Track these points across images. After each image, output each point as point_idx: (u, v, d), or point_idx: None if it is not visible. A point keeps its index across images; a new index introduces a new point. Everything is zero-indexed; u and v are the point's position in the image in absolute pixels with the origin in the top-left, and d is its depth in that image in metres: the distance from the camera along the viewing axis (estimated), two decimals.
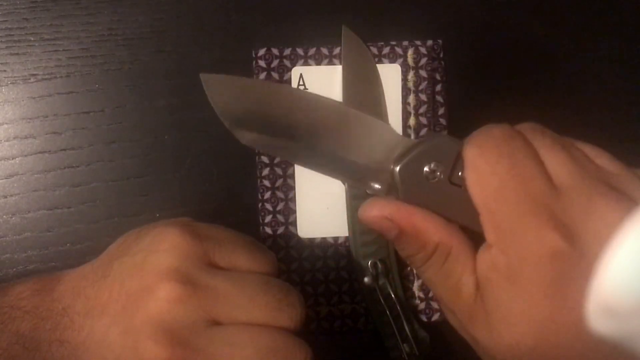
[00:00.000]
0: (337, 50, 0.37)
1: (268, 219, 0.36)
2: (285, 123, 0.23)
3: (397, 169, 0.24)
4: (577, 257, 0.22)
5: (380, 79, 0.37)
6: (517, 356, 0.23)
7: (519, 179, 0.22)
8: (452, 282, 0.25)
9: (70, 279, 0.27)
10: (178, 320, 0.25)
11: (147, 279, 0.25)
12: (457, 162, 0.24)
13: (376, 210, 0.25)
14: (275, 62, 0.36)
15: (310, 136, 0.23)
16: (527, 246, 0.22)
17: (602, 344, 0.22)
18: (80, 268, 0.28)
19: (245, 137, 0.23)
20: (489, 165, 0.23)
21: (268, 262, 0.28)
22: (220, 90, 0.23)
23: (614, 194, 0.22)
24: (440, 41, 0.37)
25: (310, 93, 0.23)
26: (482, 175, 0.23)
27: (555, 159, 0.23)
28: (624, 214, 0.21)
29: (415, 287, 0.37)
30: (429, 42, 0.37)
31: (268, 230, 0.36)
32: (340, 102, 0.24)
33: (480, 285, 0.24)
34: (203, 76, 0.24)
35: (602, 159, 0.25)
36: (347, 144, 0.24)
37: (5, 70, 0.36)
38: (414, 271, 0.37)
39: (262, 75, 0.36)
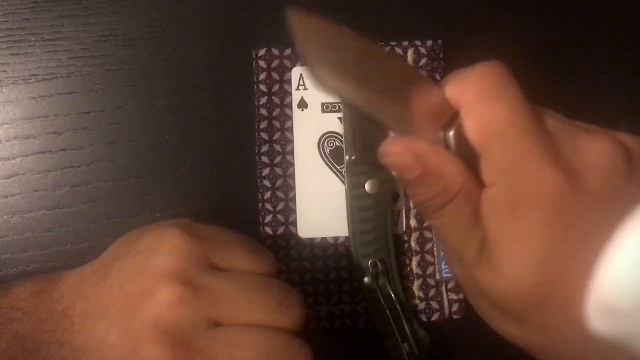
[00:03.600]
0: None
1: (268, 219, 0.36)
2: (358, 70, 0.23)
3: (451, 134, 0.24)
4: (577, 192, 0.22)
5: None
6: (521, 295, 0.22)
7: (519, 123, 0.23)
8: (466, 227, 0.24)
9: (69, 280, 0.27)
10: (178, 322, 0.25)
11: (147, 281, 0.25)
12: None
13: (400, 146, 0.24)
14: (275, 62, 0.36)
15: (376, 85, 0.23)
16: (528, 185, 0.22)
17: (601, 343, 0.22)
18: (80, 269, 0.28)
19: (323, 75, 0.22)
20: (488, 112, 0.23)
21: (268, 263, 0.28)
22: (305, 28, 0.22)
23: (594, 131, 0.23)
24: (440, 41, 0.37)
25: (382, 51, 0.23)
26: (481, 121, 0.23)
27: None
28: (611, 146, 0.22)
29: (415, 287, 0.37)
30: (429, 42, 0.37)
31: (268, 230, 0.36)
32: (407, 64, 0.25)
33: (482, 224, 0.23)
34: (290, 12, 0.23)
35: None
36: (406, 101, 0.24)
37: (5, 71, 0.36)
38: (414, 271, 0.37)
39: (262, 76, 0.36)
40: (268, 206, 0.36)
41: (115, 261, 0.27)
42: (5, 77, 0.36)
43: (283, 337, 0.26)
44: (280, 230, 0.36)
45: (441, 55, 0.37)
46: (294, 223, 0.36)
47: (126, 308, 0.25)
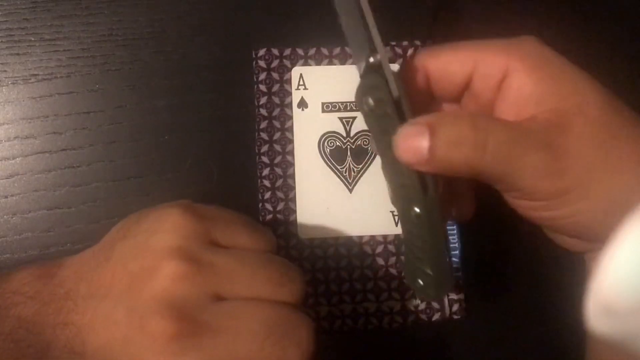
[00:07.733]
0: (337, 50, 0.37)
1: (268, 219, 0.36)
2: None
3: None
4: None
5: None
6: None
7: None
8: None
9: (71, 265, 0.28)
10: (183, 297, 0.25)
11: (150, 259, 0.26)
12: None
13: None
14: (275, 62, 0.36)
15: None
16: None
17: (601, 343, 0.22)
18: (81, 254, 0.28)
19: None
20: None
21: (267, 240, 0.29)
22: None
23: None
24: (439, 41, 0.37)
25: None
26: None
27: None
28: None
29: None
30: (429, 42, 0.37)
31: None
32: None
33: None
34: None
35: None
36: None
37: (5, 71, 0.36)
38: None
39: (262, 76, 0.36)
40: (268, 206, 0.36)
41: (117, 243, 0.27)
42: (5, 77, 0.36)
43: (285, 310, 0.26)
44: (280, 230, 0.36)
45: None
46: (294, 223, 0.36)
47: (131, 286, 0.26)
